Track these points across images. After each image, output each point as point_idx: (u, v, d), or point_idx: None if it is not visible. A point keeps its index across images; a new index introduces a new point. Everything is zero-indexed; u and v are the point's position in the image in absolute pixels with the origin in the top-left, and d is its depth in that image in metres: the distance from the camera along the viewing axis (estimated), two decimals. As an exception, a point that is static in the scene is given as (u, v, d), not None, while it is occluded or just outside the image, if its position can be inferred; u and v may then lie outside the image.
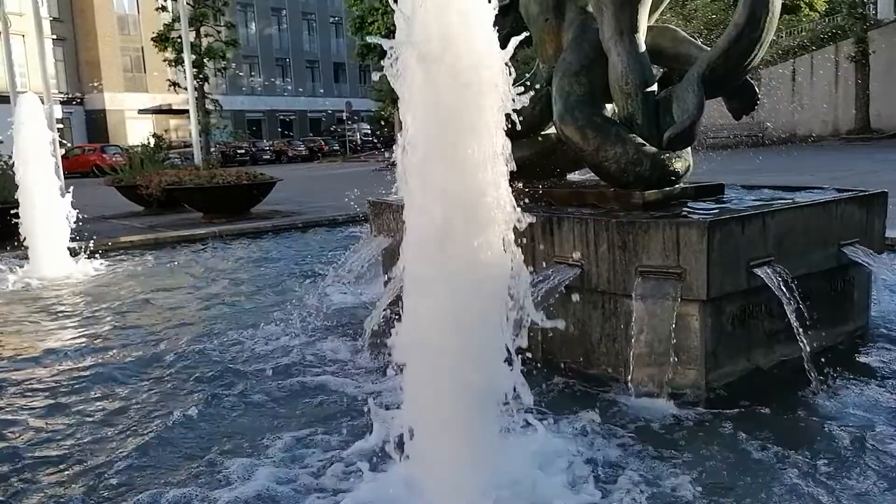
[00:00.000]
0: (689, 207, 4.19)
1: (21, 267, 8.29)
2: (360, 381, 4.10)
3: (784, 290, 3.66)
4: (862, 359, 4.16)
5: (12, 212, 8.42)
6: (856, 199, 4.31)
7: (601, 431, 3.33)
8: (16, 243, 8.55)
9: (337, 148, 49.70)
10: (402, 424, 2.75)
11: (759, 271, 3.71)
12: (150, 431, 3.58)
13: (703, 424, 3.40)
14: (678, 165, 4.30)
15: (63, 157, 17.73)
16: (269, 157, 44.40)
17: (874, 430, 3.23)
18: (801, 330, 3.65)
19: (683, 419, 3.46)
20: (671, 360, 3.66)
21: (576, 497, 2.75)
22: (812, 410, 3.49)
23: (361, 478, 2.89)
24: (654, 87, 4.33)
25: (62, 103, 43.44)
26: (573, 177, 5.50)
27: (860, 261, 4.14)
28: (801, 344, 3.64)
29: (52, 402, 4.09)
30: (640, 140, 4.23)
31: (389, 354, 2.74)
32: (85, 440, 3.55)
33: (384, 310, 4.48)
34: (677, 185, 4.40)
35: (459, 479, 2.62)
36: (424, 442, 2.69)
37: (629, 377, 3.78)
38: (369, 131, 51.50)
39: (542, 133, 5.27)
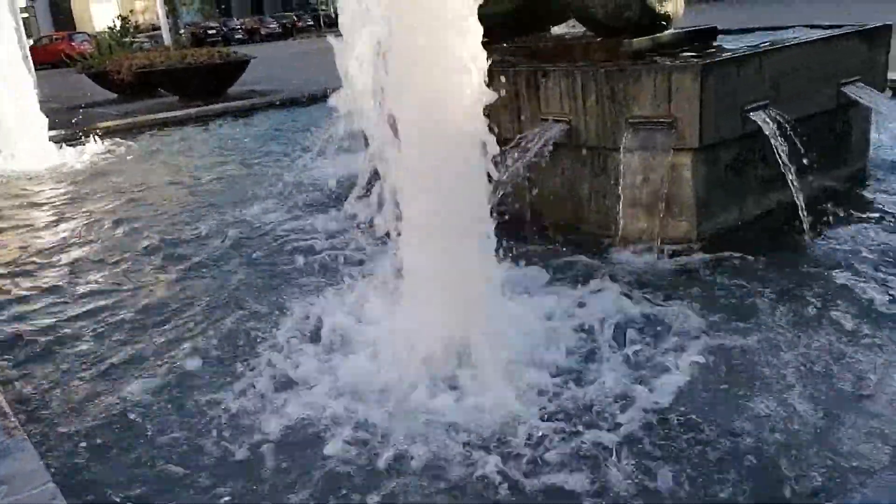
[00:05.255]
0: (680, 53, 3.97)
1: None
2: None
3: (779, 135, 3.52)
4: (858, 201, 4.07)
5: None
6: (857, 34, 4.08)
7: (592, 287, 3.27)
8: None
9: (311, 23, 47.73)
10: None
11: (754, 116, 3.56)
12: (162, 300, 3.69)
13: (694, 275, 3.34)
14: (668, 8, 4.04)
15: (31, 47, 17.01)
16: (241, 36, 42.57)
17: (864, 273, 3.18)
18: (795, 175, 3.53)
19: (675, 271, 3.40)
20: (662, 212, 3.57)
21: (563, 351, 2.71)
22: (804, 255, 3.44)
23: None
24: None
25: (25, -10, 41.17)
26: (557, 30, 5.21)
27: (860, 100, 3.97)
28: (794, 190, 3.54)
29: (57, 287, 4.07)
30: (627, -18, 3.94)
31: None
32: (105, 311, 3.61)
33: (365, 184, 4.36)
34: (668, 31, 4.16)
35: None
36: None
37: (619, 232, 3.70)
38: (344, 3, 49.10)
39: (524, -16, 4.95)
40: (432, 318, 2.61)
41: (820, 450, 2.08)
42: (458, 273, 2.55)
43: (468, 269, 2.56)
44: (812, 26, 4.46)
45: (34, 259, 4.63)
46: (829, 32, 4.12)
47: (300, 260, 3.96)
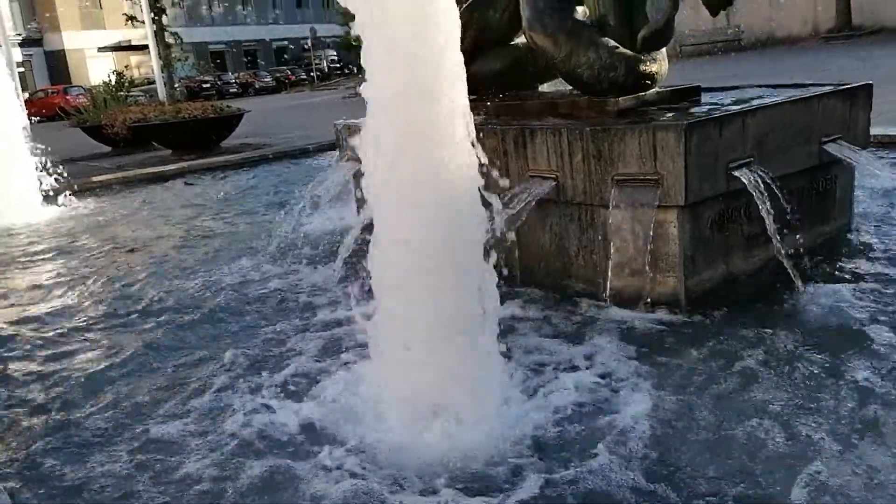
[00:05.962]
0: (664, 111, 4.03)
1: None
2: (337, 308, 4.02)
3: (763, 192, 3.56)
4: (843, 258, 4.09)
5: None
6: (838, 93, 4.16)
7: (581, 343, 3.28)
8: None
9: (304, 77, 48.55)
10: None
11: (738, 173, 3.60)
12: (144, 361, 3.62)
13: (681, 332, 3.34)
14: (653, 68, 4.12)
15: (27, 100, 17.18)
16: (235, 90, 43.23)
17: (852, 331, 3.18)
18: (779, 233, 3.57)
19: (662, 328, 3.40)
20: (649, 268, 3.58)
21: (550, 410, 2.72)
22: (790, 313, 3.43)
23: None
24: (627, -15, 4.12)
25: (20, 45, 41.83)
26: (545, 88, 5.30)
27: (842, 158, 4.03)
28: (778, 247, 3.57)
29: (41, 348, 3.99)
30: (613, 43, 4.03)
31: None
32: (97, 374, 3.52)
33: (357, 237, 4.40)
34: (652, 90, 4.24)
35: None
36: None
37: (608, 288, 3.71)
38: (336, 58, 50.31)
39: (512, 43, 5.07)
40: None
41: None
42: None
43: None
44: (794, 85, 4.56)
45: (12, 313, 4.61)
46: (810, 92, 4.20)
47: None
